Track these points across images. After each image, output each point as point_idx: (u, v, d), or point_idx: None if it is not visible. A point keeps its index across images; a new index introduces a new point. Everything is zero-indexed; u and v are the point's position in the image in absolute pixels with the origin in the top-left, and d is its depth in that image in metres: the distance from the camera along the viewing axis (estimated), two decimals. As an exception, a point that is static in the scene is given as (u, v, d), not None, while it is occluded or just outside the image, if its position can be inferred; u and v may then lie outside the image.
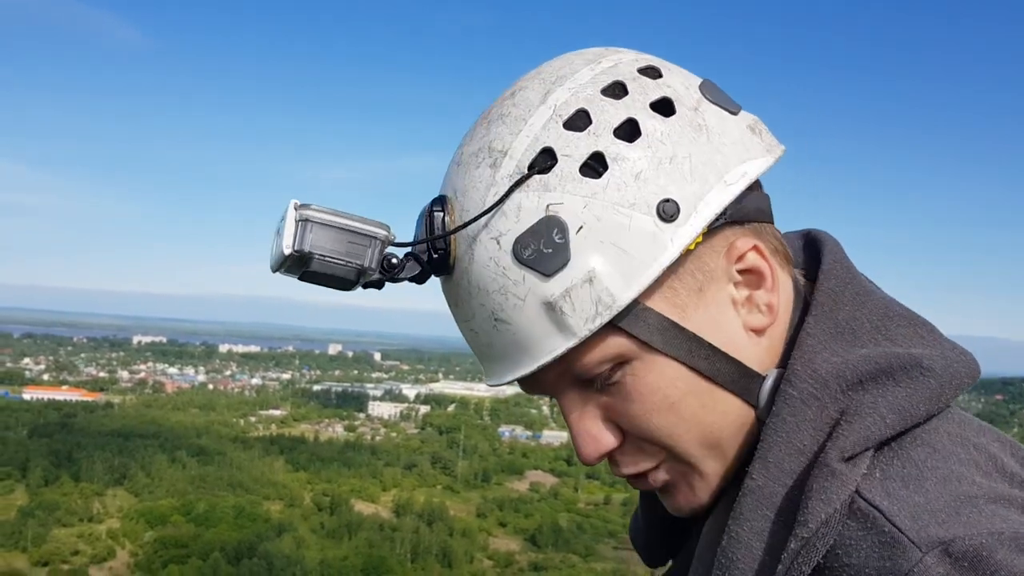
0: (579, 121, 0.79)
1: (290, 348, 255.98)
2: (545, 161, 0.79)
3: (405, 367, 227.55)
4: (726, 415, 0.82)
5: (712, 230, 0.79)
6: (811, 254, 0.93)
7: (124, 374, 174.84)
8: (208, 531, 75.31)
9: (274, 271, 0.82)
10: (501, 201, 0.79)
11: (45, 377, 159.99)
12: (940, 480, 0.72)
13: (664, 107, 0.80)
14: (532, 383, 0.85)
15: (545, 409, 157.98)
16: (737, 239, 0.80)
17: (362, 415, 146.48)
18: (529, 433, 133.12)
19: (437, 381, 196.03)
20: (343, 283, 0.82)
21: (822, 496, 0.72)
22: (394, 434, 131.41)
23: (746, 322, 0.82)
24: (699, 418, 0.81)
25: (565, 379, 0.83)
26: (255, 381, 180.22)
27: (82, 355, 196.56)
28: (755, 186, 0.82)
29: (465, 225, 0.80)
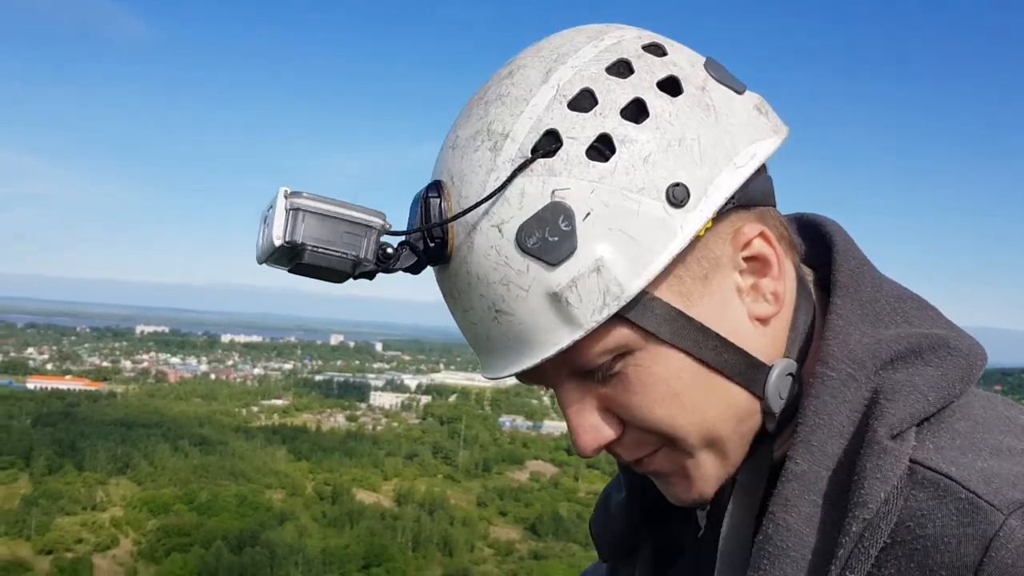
0: (584, 101, 0.75)
1: (292, 338, 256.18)
2: (549, 144, 0.75)
3: (407, 357, 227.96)
4: (730, 407, 0.79)
5: (719, 215, 0.76)
6: (809, 239, 0.91)
7: (127, 364, 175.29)
8: (210, 520, 75.74)
9: (261, 263, 0.78)
10: (503, 187, 0.75)
11: (48, 366, 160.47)
12: (993, 449, 0.72)
13: (671, 86, 0.76)
14: (531, 375, 0.82)
15: (546, 399, 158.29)
16: (744, 225, 0.78)
17: (364, 405, 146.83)
18: (530, 423, 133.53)
19: (438, 371, 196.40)
20: (337, 275, 0.78)
21: (877, 475, 0.70)
22: (395, 424, 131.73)
23: (751, 311, 0.79)
24: (703, 410, 0.79)
25: (565, 370, 0.80)
26: (257, 371, 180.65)
27: (85, 345, 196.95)
28: (761, 169, 0.79)
29: (464, 212, 0.76)
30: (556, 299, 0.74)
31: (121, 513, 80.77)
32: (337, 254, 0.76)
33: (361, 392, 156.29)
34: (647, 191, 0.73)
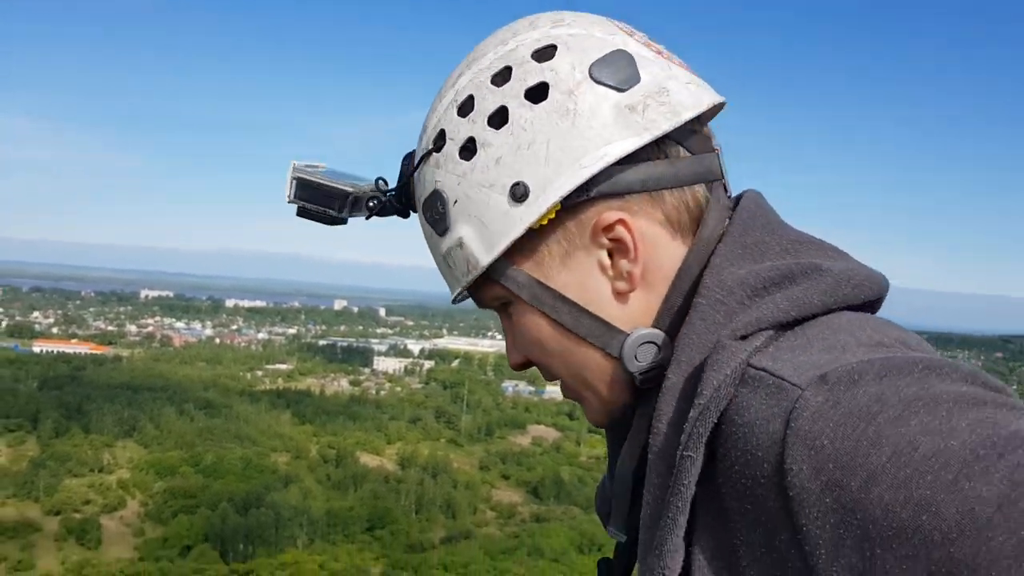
0: (467, 107, 0.91)
1: (296, 303, 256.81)
2: (439, 141, 0.93)
3: (410, 323, 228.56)
4: (588, 363, 0.92)
5: (581, 203, 0.87)
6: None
7: (132, 328, 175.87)
8: (216, 482, 76.49)
9: (289, 203, 1.05)
10: (413, 172, 0.97)
11: (54, 331, 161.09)
12: (826, 347, 0.77)
13: (538, 93, 0.87)
14: (477, 303, 1.01)
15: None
16: (604, 213, 0.87)
17: (367, 370, 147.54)
18: (532, 388, 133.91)
19: (441, 337, 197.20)
20: (326, 222, 1.05)
21: (714, 367, 0.78)
22: (399, 388, 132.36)
23: (613, 286, 0.89)
24: (566, 361, 0.93)
25: (484, 305, 0.99)
26: (261, 336, 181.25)
27: (90, 309, 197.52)
28: (647, 161, 0.88)
29: (398, 187, 1.01)
30: (445, 259, 0.95)
31: (128, 475, 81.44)
32: (320, 211, 1.03)
33: (365, 357, 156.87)
34: (496, 187, 0.88)
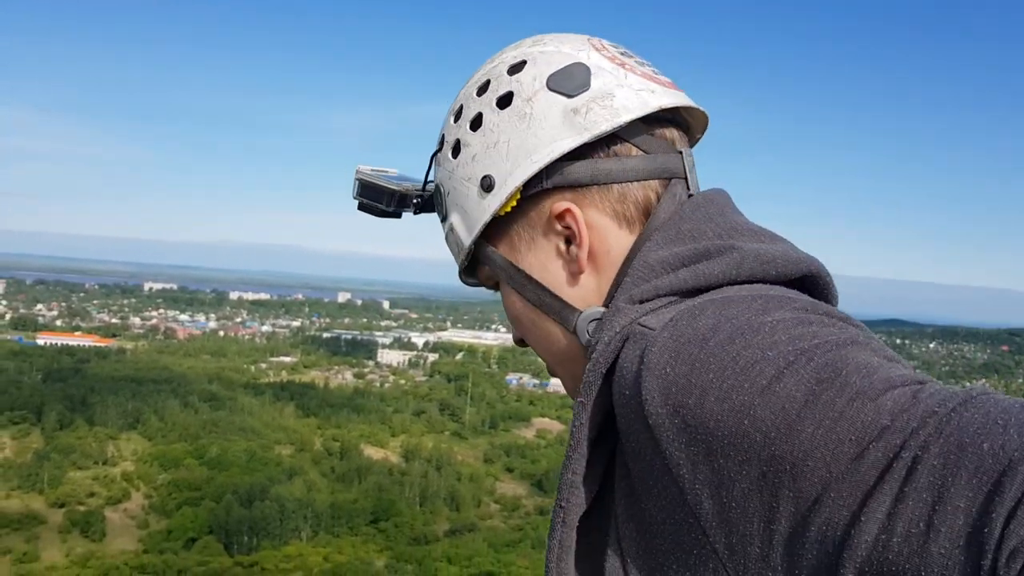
0: (459, 114, 1.06)
1: (300, 296, 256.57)
2: (440, 143, 1.09)
3: (414, 315, 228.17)
4: (552, 337, 1.03)
5: (537, 194, 1.00)
6: None
7: (136, 320, 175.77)
8: (220, 474, 76.45)
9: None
10: (428, 171, 1.13)
11: (58, 323, 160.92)
12: (714, 310, 0.81)
13: (505, 100, 1.02)
14: (475, 283, 1.14)
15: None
16: (556, 203, 0.99)
17: (371, 362, 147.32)
18: (536, 381, 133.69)
19: (445, 329, 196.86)
20: (380, 215, 1.18)
21: (606, 326, 0.89)
22: (403, 381, 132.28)
23: (567, 268, 1.00)
24: (536, 334, 1.05)
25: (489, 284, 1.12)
26: (265, 328, 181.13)
27: (94, 301, 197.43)
28: (597, 155, 0.99)
29: (424, 184, 1.15)
30: (447, 243, 1.11)
31: (132, 468, 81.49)
32: (373, 206, 1.18)
33: (368, 349, 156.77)
34: (472, 180, 1.03)
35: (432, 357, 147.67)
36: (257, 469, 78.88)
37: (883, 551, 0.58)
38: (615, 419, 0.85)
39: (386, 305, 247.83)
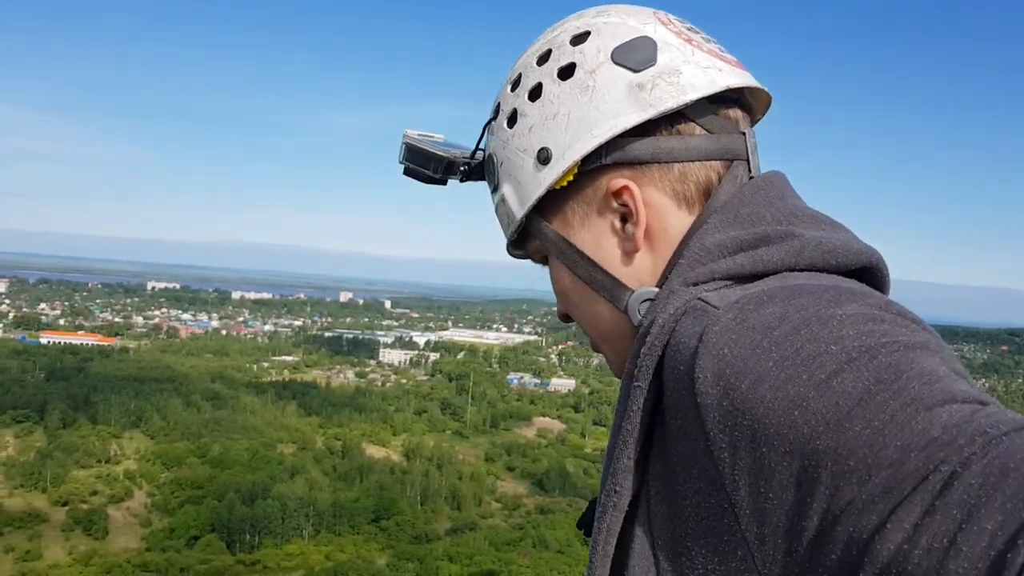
0: (517, 83, 1.04)
1: (302, 295, 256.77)
2: (496, 112, 1.07)
3: (415, 315, 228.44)
4: (601, 314, 1.01)
5: (596, 170, 0.97)
6: None
7: (139, 319, 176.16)
8: (223, 473, 76.74)
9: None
10: (479, 139, 1.11)
11: (61, 322, 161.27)
12: (783, 297, 0.78)
13: (567, 72, 0.99)
14: (524, 256, 1.13)
15: (553, 357, 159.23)
16: (614, 179, 0.96)
17: (373, 362, 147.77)
18: (537, 380, 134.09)
19: (447, 329, 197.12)
20: (426, 181, 1.17)
21: (661, 308, 0.87)
22: (404, 380, 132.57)
23: (622, 247, 0.98)
24: (583, 311, 1.03)
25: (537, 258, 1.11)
26: (267, 327, 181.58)
27: (97, 301, 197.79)
28: (659, 133, 0.96)
29: (473, 152, 1.14)
30: (496, 214, 1.09)
31: (135, 466, 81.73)
32: (419, 171, 1.16)
33: (370, 349, 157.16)
34: (528, 152, 1.00)
35: (433, 356, 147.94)
36: (259, 468, 79.15)
37: (903, 562, 0.58)
38: (659, 401, 0.84)
39: (388, 304, 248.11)
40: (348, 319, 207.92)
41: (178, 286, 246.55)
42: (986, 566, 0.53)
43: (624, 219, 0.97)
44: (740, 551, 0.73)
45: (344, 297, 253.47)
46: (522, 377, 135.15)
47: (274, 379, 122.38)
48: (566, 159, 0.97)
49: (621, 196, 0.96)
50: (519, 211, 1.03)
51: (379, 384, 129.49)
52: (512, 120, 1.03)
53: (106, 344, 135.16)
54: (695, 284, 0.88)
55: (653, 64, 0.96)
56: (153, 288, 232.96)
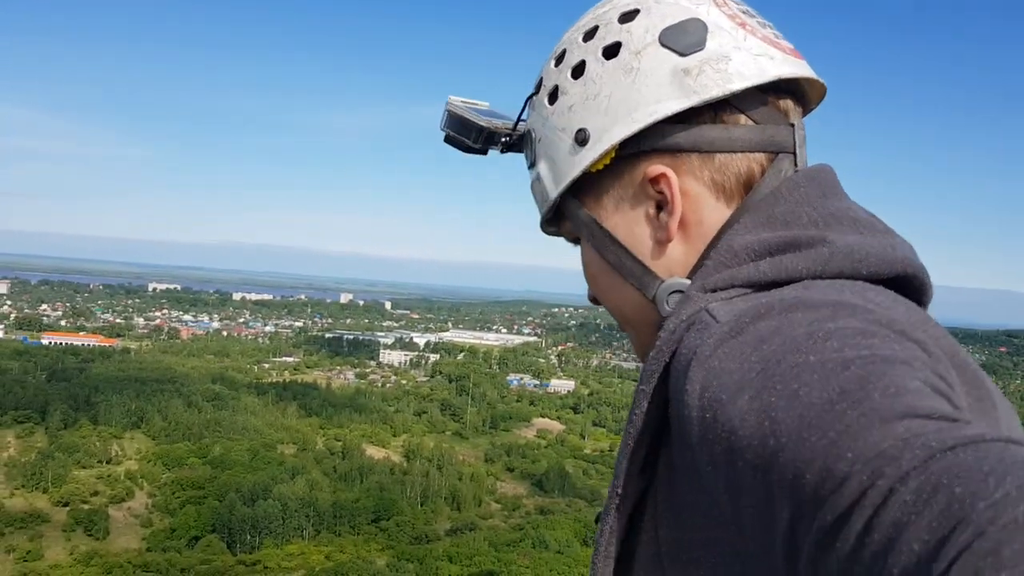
0: (561, 59, 1.01)
1: (302, 296, 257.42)
2: (538, 87, 1.05)
3: (415, 316, 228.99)
4: (628, 300, 0.99)
5: (635, 155, 0.95)
6: None
7: (140, 320, 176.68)
8: (223, 473, 77.03)
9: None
10: (521, 111, 1.10)
11: (62, 323, 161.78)
12: (780, 311, 0.76)
13: (612, 51, 0.96)
14: (556, 234, 1.12)
15: (553, 359, 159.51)
16: (651, 166, 0.94)
17: (373, 363, 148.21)
18: (537, 381, 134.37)
19: (447, 330, 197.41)
20: (465, 151, 1.16)
21: (676, 314, 0.85)
22: (404, 381, 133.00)
23: (655, 235, 0.95)
24: (610, 295, 1.02)
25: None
26: (268, 329, 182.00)
27: (99, 302, 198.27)
28: (703, 121, 0.93)
29: (515, 125, 1.12)
30: (532, 190, 1.07)
31: (136, 466, 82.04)
32: (458, 140, 1.15)
33: (370, 350, 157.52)
34: (567, 131, 0.98)
35: (433, 357, 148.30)
36: (260, 468, 79.39)
37: None
38: (668, 407, 0.83)
39: (388, 306, 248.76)
40: (348, 320, 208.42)
41: (179, 287, 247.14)
42: None
43: (660, 207, 0.95)
44: (739, 566, 0.74)
45: (344, 298, 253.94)
46: (522, 378, 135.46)
47: (275, 380, 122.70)
48: (604, 142, 0.95)
49: (658, 184, 0.94)
50: (553, 191, 1.01)
51: (379, 385, 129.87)
52: (553, 97, 1.01)
53: (107, 345, 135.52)
54: (714, 290, 0.86)
55: (701, 49, 0.93)
56: (154, 289, 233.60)
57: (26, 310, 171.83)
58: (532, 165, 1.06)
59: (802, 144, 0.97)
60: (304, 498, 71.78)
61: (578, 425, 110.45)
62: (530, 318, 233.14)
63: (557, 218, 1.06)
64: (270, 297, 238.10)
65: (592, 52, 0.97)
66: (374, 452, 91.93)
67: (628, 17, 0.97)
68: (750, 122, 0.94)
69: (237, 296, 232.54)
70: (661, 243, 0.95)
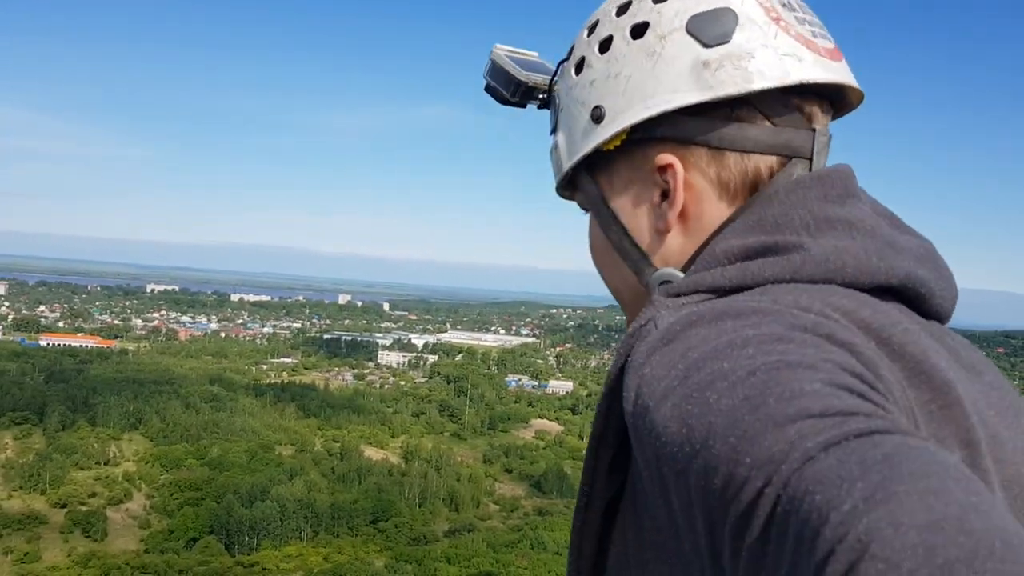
0: (592, 30, 1.00)
1: (300, 298, 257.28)
2: (569, 54, 1.04)
3: (413, 317, 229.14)
4: (624, 280, 1.01)
5: (648, 140, 0.94)
6: None
7: (138, 322, 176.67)
8: (221, 475, 77.00)
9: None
10: (553, 75, 1.08)
11: (60, 324, 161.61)
12: (710, 318, 0.77)
13: (639, 30, 0.94)
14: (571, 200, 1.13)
15: (551, 360, 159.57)
16: (660, 154, 0.93)
17: (371, 364, 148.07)
18: (535, 383, 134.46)
19: (445, 331, 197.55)
20: (502, 102, 1.15)
21: (637, 320, 0.84)
22: (402, 382, 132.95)
23: (655, 223, 0.95)
24: (608, 272, 1.04)
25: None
26: (266, 330, 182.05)
27: (96, 303, 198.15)
28: (717, 116, 0.91)
29: (550, 84, 1.10)
30: (550, 157, 1.08)
31: (134, 468, 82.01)
32: (497, 90, 1.14)
33: (369, 351, 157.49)
34: (585, 106, 0.98)
35: (432, 358, 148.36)
36: (258, 469, 79.40)
37: None
38: None
39: (386, 307, 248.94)
40: (347, 321, 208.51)
41: (177, 288, 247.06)
42: None
43: (665, 196, 0.94)
44: (680, 569, 0.74)
45: (343, 299, 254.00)
46: (520, 379, 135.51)
47: (273, 381, 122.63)
48: (616, 124, 0.95)
49: (665, 173, 0.94)
50: (566, 162, 1.02)
51: (377, 386, 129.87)
52: (579, 67, 1.00)
53: (105, 346, 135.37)
54: (677, 295, 0.86)
55: (726, 42, 0.91)
56: (152, 290, 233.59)
57: (24, 311, 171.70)
58: (553, 131, 1.07)
59: (822, 150, 0.95)
60: (302, 499, 71.78)
61: (576, 426, 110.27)
62: (528, 319, 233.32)
63: (570, 187, 1.07)
64: (268, 298, 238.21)
65: (621, 29, 0.96)
66: (372, 453, 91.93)
67: None
68: (767, 123, 0.92)
69: (235, 297, 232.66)
70: (660, 232, 0.96)
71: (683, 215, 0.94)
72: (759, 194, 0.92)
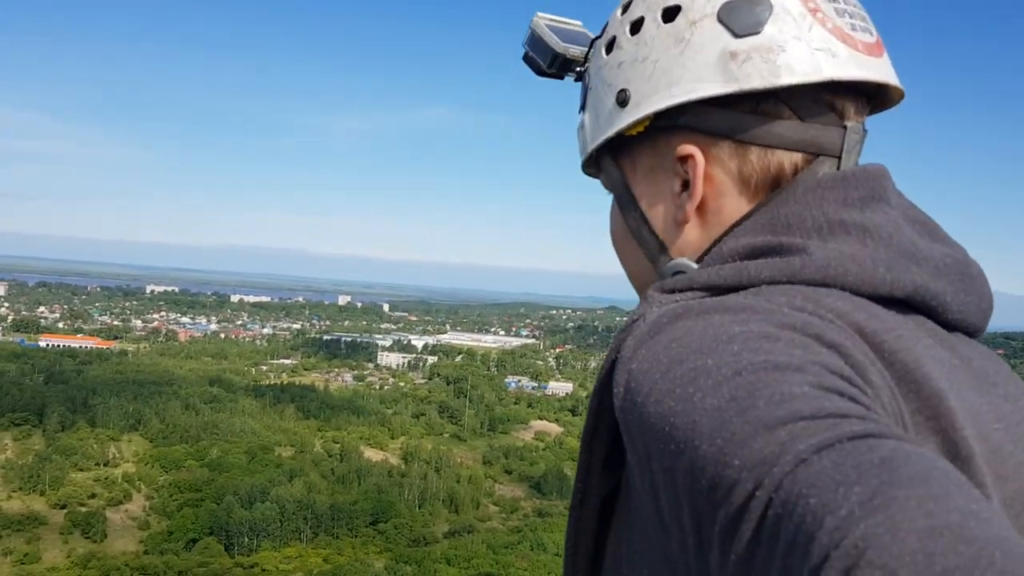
0: (627, 9, 0.97)
1: (300, 299, 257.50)
2: (602, 32, 1.01)
3: (413, 318, 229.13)
4: (640, 269, 1.00)
5: (672, 128, 0.92)
6: None
7: (138, 323, 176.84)
8: (221, 476, 77.01)
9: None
10: (588, 51, 1.07)
11: (60, 325, 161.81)
12: (698, 313, 0.76)
13: (670, 14, 0.91)
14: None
15: (551, 361, 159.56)
16: (682, 144, 0.91)
17: (371, 365, 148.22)
18: (535, 384, 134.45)
19: (445, 332, 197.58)
20: (538, 73, 1.16)
21: (630, 315, 0.83)
22: (402, 383, 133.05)
23: (673, 213, 0.94)
24: (625, 257, 1.03)
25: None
26: (266, 331, 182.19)
27: (96, 304, 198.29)
28: (743, 109, 0.89)
29: (583, 61, 1.09)
30: (577, 134, 1.07)
31: (133, 469, 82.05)
32: (533, 58, 1.15)
33: (368, 352, 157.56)
34: (612, 88, 0.96)
35: (431, 360, 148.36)
36: (257, 471, 79.40)
37: None
38: None
39: (386, 308, 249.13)
40: (346, 322, 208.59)
41: (177, 289, 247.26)
42: None
43: (685, 186, 0.92)
44: (668, 566, 0.73)
45: (342, 300, 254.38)
46: (520, 380, 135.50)
47: (272, 382, 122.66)
48: (640, 109, 0.93)
49: (686, 163, 0.91)
50: (590, 143, 1.01)
51: (377, 387, 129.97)
52: (610, 47, 0.98)
53: (105, 347, 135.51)
54: (672, 291, 0.84)
55: (757, 33, 0.87)
56: (152, 291, 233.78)
57: (23, 312, 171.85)
58: (581, 109, 1.05)
59: (852, 148, 0.91)
60: (302, 500, 71.78)
61: (576, 427, 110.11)
62: (528, 320, 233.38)
63: (594, 167, 1.05)
64: (268, 299, 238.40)
65: (653, 11, 0.93)
66: (372, 454, 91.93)
67: None
68: (795, 118, 0.89)
69: (235, 298, 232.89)
70: (679, 223, 0.94)
71: (702, 207, 0.92)
72: (778, 192, 0.89)
